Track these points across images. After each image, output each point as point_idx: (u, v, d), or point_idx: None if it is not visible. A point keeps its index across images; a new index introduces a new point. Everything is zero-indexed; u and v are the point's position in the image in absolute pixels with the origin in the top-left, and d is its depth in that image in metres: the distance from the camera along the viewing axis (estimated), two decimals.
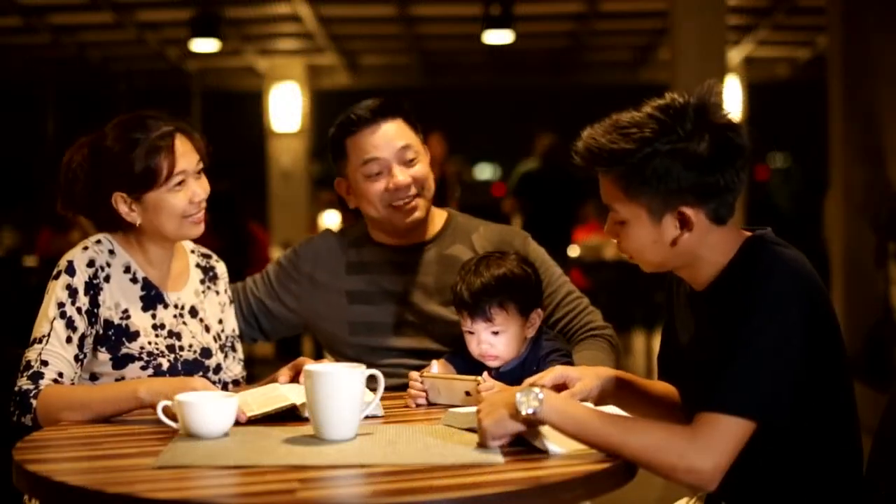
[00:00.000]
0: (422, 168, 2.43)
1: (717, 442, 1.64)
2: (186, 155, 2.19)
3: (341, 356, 2.46)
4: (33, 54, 11.01)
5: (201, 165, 2.23)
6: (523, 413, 1.68)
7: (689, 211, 1.76)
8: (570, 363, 2.24)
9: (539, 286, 2.31)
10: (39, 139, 11.79)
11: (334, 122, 2.47)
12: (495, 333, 2.21)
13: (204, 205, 2.22)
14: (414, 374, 2.17)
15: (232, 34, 9.62)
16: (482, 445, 1.72)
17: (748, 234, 1.84)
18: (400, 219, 2.43)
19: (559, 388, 1.94)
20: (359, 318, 2.47)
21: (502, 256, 2.29)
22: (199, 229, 2.23)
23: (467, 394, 2.05)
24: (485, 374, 2.09)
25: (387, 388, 2.36)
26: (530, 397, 1.68)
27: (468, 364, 2.27)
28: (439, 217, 2.55)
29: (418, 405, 2.14)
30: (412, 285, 2.46)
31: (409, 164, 2.42)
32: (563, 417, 1.68)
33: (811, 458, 1.80)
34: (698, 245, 1.79)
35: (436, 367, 2.22)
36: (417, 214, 2.43)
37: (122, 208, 2.19)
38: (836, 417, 1.81)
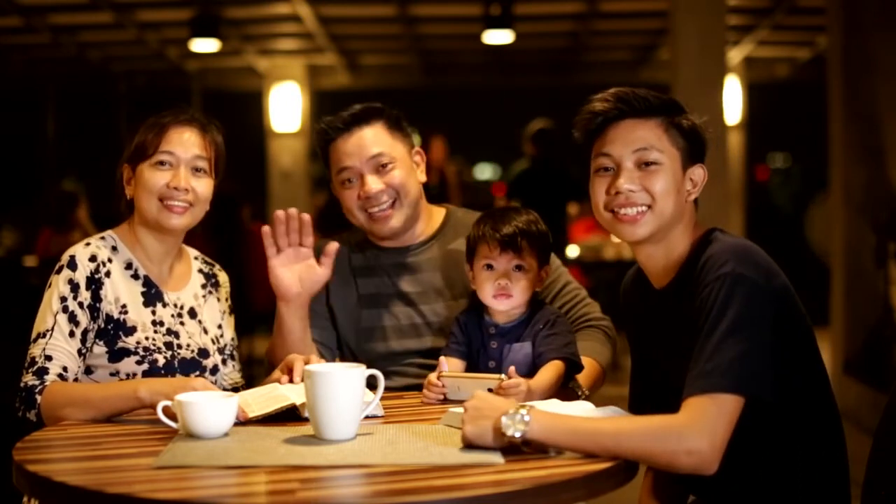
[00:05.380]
0: (398, 174, 2.41)
1: (710, 421, 1.66)
2: (184, 143, 2.23)
3: (353, 360, 2.45)
4: (33, 54, 11.01)
5: (202, 164, 2.24)
6: (509, 435, 1.68)
7: (702, 171, 1.93)
8: (573, 338, 2.26)
9: (550, 245, 2.33)
10: (39, 139, 11.79)
11: (314, 127, 2.48)
12: (518, 268, 2.23)
13: (184, 196, 2.22)
14: (432, 377, 2.16)
15: (232, 34, 9.62)
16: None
17: (700, 231, 1.94)
18: (377, 228, 2.43)
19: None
20: (369, 323, 2.47)
21: (520, 208, 2.33)
22: (177, 220, 2.23)
23: (490, 391, 2.05)
24: (511, 369, 2.09)
25: (399, 389, 2.37)
26: (516, 420, 1.68)
27: (475, 328, 2.28)
28: (437, 214, 2.55)
29: (438, 402, 2.13)
30: (419, 284, 2.47)
31: (382, 170, 2.40)
32: (552, 433, 1.68)
33: (794, 445, 1.83)
34: (684, 214, 1.91)
35: (446, 365, 2.21)
36: (393, 223, 2.42)
37: (125, 178, 2.27)
38: (815, 397, 1.85)
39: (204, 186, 2.25)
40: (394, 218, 2.42)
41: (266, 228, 2.31)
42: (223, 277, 2.44)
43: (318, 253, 2.32)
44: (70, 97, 11.80)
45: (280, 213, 2.30)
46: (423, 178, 2.51)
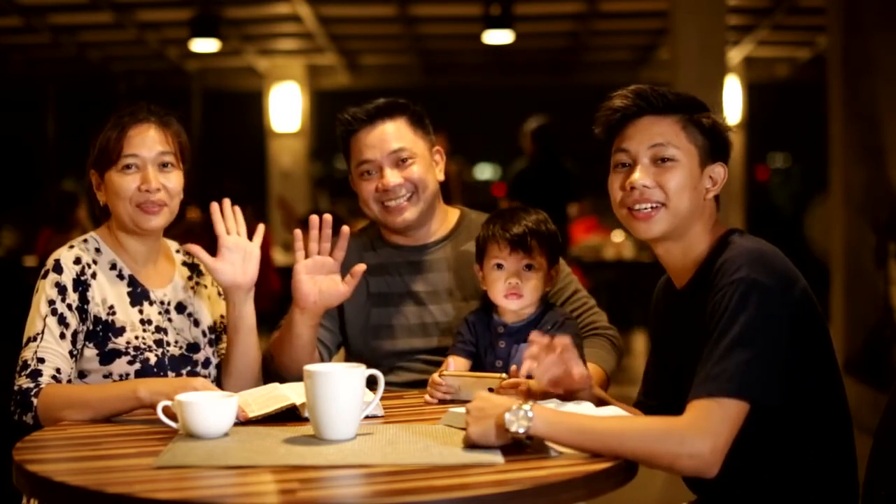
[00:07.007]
0: (417, 170, 2.42)
1: (713, 425, 1.66)
2: (146, 142, 2.22)
3: (359, 359, 2.44)
4: (33, 54, 11.02)
5: (168, 158, 2.24)
6: (512, 431, 1.68)
7: (722, 170, 1.91)
8: (580, 341, 2.26)
9: (559, 245, 2.33)
10: (39, 139, 11.79)
11: (338, 116, 2.48)
12: (528, 268, 2.23)
13: (157, 196, 2.21)
14: (435, 377, 2.16)
15: (232, 34, 9.62)
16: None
17: (721, 231, 1.93)
18: (390, 220, 2.44)
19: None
20: (378, 321, 2.47)
21: (528, 208, 2.32)
22: (155, 222, 2.23)
23: (491, 390, 2.05)
24: (513, 368, 2.09)
25: (403, 384, 2.37)
26: (519, 416, 1.68)
27: (483, 329, 2.28)
28: (452, 215, 2.57)
29: (439, 402, 2.14)
30: (431, 284, 2.47)
31: (402, 165, 2.42)
32: (555, 429, 1.68)
33: (803, 448, 1.82)
34: (703, 212, 1.90)
35: (453, 364, 2.22)
36: (407, 216, 2.43)
37: (94, 185, 2.26)
38: (827, 402, 1.84)
39: (174, 181, 2.25)
40: (408, 211, 2.43)
41: (297, 231, 2.30)
42: None
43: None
44: (70, 97, 11.81)
45: (314, 217, 2.29)
46: (441, 176, 2.52)
